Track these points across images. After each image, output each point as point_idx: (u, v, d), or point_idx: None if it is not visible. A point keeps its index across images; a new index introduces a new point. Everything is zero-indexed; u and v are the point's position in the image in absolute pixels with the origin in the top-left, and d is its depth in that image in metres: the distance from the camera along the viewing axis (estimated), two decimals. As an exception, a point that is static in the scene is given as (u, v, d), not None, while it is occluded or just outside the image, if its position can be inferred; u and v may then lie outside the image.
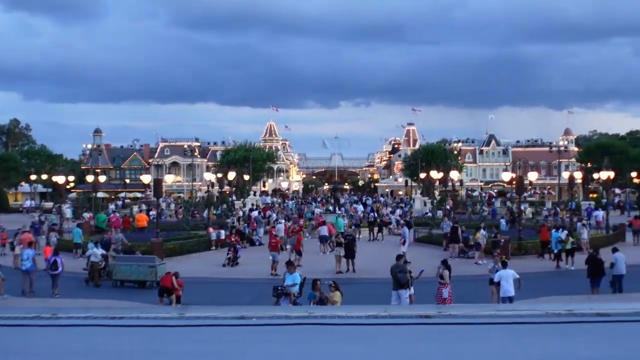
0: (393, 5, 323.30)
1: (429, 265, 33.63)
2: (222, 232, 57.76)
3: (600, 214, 68.39)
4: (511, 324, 9.59)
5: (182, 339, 7.05)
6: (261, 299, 32.39)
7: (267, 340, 8.15)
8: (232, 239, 51.45)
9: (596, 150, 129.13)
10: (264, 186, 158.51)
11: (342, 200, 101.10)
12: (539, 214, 75.92)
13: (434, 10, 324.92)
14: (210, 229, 57.75)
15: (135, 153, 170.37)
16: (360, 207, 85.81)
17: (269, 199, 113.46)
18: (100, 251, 41.49)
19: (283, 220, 61.23)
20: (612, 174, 72.92)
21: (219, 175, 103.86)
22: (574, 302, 19.32)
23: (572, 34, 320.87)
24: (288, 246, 50.84)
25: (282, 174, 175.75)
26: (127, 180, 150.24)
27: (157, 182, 57.19)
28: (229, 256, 47.63)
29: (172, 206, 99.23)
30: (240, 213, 75.65)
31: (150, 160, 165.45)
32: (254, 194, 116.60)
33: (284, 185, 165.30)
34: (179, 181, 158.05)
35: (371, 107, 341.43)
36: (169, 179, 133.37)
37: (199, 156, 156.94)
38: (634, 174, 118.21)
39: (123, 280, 39.51)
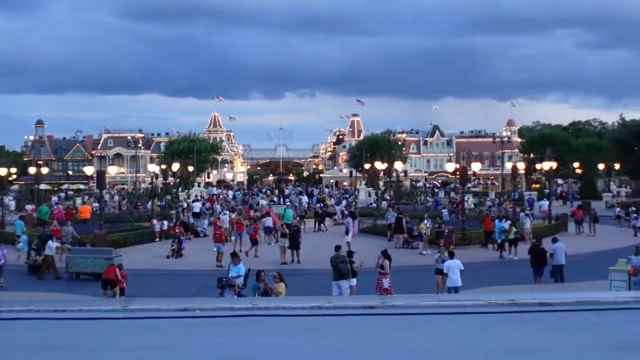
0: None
1: (373, 256, 33.71)
2: (165, 222, 57.44)
3: (545, 204, 69.06)
4: (454, 314, 9.65)
5: (125, 331, 7.00)
6: (206, 291, 32.27)
7: (210, 332, 8.11)
8: (177, 231, 51.17)
9: (539, 141, 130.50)
10: (209, 177, 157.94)
11: (287, 191, 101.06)
12: (482, 205, 76.46)
13: (380, 1, 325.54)
14: (154, 221, 57.36)
15: (78, 144, 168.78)
16: (305, 198, 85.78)
17: (215, 190, 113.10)
18: (55, 244, 41.01)
19: (228, 212, 60.95)
20: (554, 165, 73.81)
21: (163, 166, 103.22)
22: (516, 292, 19.50)
23: (517, 25, 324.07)
24: (233, 237, 50.72)
25: (226, 165, 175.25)
26: (70, 172, 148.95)
27: (100, 174, 56.71)
28: (173, 248, 47.38)
29: (116, 198, 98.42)
30: (185, 204, 75.26)
31: (94, 152, 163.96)
32: (198, 185, 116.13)
33: (229, 176, 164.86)
34: (123, 173, 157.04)
35: (316, 98, 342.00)
36: (112, 170, 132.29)
37: (142, 147, 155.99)
38: (576, 165, 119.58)
39: (78, 273, 39.09)
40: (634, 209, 67.94)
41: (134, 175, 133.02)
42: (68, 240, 44.69)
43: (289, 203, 67.58)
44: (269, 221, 54.01)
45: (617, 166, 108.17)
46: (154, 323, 8.10)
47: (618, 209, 70.16)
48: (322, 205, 73.55)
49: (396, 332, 8.50)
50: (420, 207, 72.23)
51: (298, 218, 58.32)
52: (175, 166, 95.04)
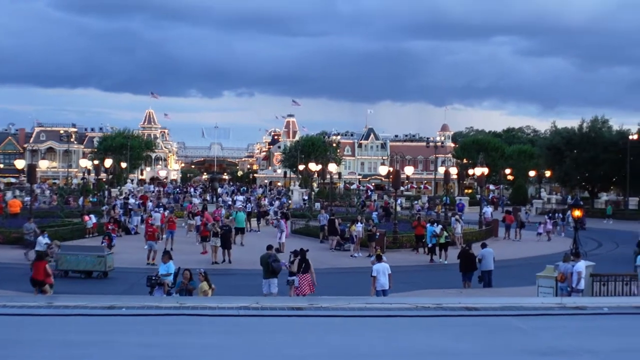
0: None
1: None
2: (92, 216, 56.95)
3: (489, 210, 69.67)
4: (381, 316, 9.74)
5: (50, 328, 6.94)
6: (136, 289, 32.03)
7: (136, 330, 8.06)
8: (109, 227, 50.66)
9: (472, 147, 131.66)
10: (142, 174, 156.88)
11: (220, 190, 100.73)
12: (412, 208, 76.98)
13: (321, 2, 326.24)
14: (86, 217, 56.77)
15: (10, 137, 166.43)
16: (240, 198, 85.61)
17: (152, 187, 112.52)
18: (45, 240, 40.28)
19: (160, 209, 60.53)
20: (486, 170, 74.35)
21: (96, 162, 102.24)
22: (443, 296, 19.70)
23: (455, 31, 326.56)
24: (164, 235, 50.42)
25: (160, 162, 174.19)
26: (1, 165, 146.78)
27: (32, 168, 56.00)
28: (103, 244, 46.90)
29: (47, 193, 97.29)
30: (117, 201, 74.64)
31: (26, 146, 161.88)
32: (131, 182, 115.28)
33: (162, 173, 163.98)
34: (55, 167, 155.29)
35: (254, 98, 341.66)
36: (43, 164, 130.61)
37: (75, 142, 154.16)
38: (508, 171, 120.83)
39: (67, 271, 38.37)
40: (560, 215, 69.02)
41: (66, 170, 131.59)
42: (30, 238, 43.90)
43: (240, 206, 66.81)
44: (199, 220, 53.84)
45: (548, 173, 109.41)
46: (79, 320, 8.04)
47: (527, 214, 70.85)
48: (254, 205, 73.41)
49: (323, 333, 8.53)
50: (352, 210, 72.41)
51: (230, 217, 57.98)
52: (108, 162, 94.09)
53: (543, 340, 7.95)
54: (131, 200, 73.50)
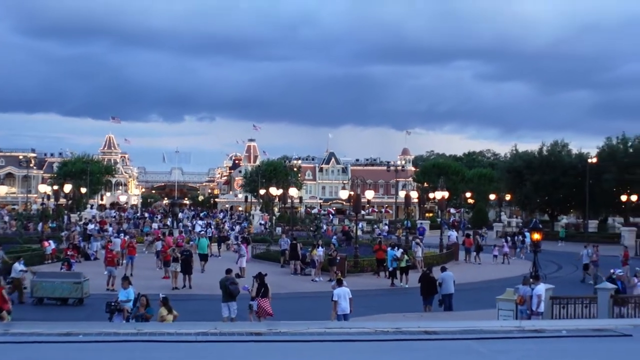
0: (240, 20, 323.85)
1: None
2: (52, 242, 56.53)
3: (454, 234, 69.89)
4: (340, 341, 9.73)
5: (4, 357, 6.85)
6: (95, 315, 31.78)
7: (92, 357, 7.98)
8: (68, 253, 50.27)
9: (432, 170, 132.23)
10: (102, 199, 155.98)
11: (180, 216, 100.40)
12: (373, 232, 77.14)
13: (281, 27, 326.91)
14: (45, 243, 56.35)
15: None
16: (200, 223, 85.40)
17: (114, 212, 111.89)
18: (20, 267, 39.72)
19: (121, 235, 60.18)
20: (446, 194, 74.66)
21: (55, 187, 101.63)
22: (403, 320, 19.74)
23: (417, 55, 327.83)
24: (124, 261, 50.15)
25: (120, 187, 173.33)
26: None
27: (-10, 194, 55.60)
28: (62, 270, 46.48)
29: (6, 218, 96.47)
30: (77, 227, 74.15)
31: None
32: (91, 207, 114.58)
33: (123, 198, 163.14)
34: (14, 193, 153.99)
35: (216, 122, 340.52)
36: (2, 190, 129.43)
37: (35, 167, 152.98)
38: (468, 194, 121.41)
39: (42, 298, 37.80)
40: (520, 238, 69.52)
41: (25, 195, 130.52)
42: None
43: (202, 232, 66.18)
44: (159, 245, 53.64)
45: (508, 197, 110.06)
46: (35, 347, 7.95)
47: (482, 237, 71.21)
48: (214, 230, 73.28)
49: (281, 358, 8.51)
50: (313, 234, 72.52)
51: (191, 242, 57.67)
52: (68, 187, 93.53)
53: (502, 364, 7.99)
54: (90, 226, 73.06)
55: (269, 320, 28.42)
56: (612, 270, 34.71)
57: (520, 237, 69.94)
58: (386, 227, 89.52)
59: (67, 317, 32.39)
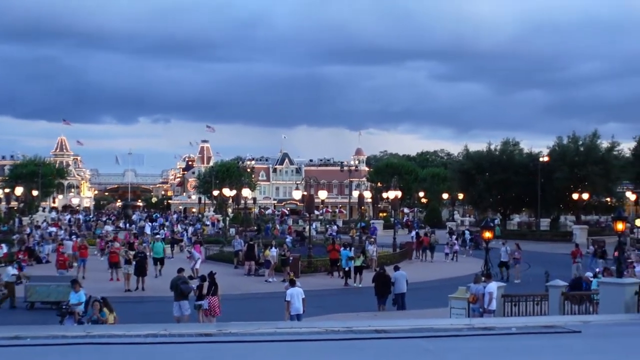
0: (194, 22, 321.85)
1: (218, 282, 33.62)
2: (4, 245, 55.91)
3: (414, 233, 70.21)
4: (291, 341, 9.72)
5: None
6: (47, 318, 31.50)
7: (40, 360, 7.92)
8: (20, 256, 49.75)
9: (386, 170, 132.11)
10: (54, 202, 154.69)
11: (134, 217, 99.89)
12: (326, 232, 77.27)
13: (235, 28, 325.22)
14: (-3, 245, 55.82)
15: None
16: (149, 225, 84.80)
17: (68, 216, 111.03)
18: (13, 270, 39.13)
19: (72, 238, 59.64)
20: (400, 194, 74.92)
21: (7, 190, 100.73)
22: (357, 320, 19.80)
23: (371, 56, 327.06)
24: (75, 264, 49.79)
25: (73, 189, 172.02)
26: None
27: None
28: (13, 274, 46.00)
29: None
30: (28, 230, 73.50)
31: None
32: (43, 210, 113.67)
33: (75, 201, 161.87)
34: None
35: (170, 124, 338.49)
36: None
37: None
38: (421, 194, 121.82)
39: (34, 302, 37.13)
40: (470, 236, 70.30)
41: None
42: None
43: (158, 236, 65.12)
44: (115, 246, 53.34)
45: (460, 196, 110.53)
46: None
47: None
48: (168, 232, 72.99)
49: (232, 359, 8.49)
50: (269, 235, 72.51)
51: (145, 244, 57.28)
52: (19, 190, 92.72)
53: (450, 362, 8.04)
54: (52, 228, 72.61)
55: (216, 319, 28.60)
56: (597, 270, 35.14)
57: (469, 235, 70.79)
58: (335, 227, 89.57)
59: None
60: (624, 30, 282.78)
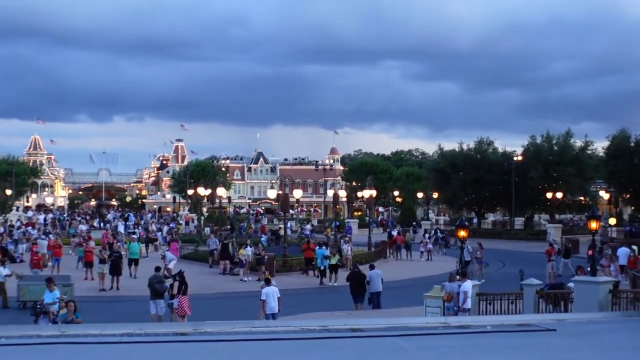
0: (169, 20, 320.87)
1: (193, 281, 33.57)
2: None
3: (395, 231, 70.50)
4: (266, 340, 9.72)
5: None
6: (21, 318, 31.34)
7: (15, 360, 7.88)
8: (-4, 256, 49.38)
9: (360, 169, 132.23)
10: (28, 201, 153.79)
11: (109, 216, 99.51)
12: (299, 232, 77.30)
13: (210, 27, 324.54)
14: (-30, 246, 55.44)
15: None
16: (122, 224, 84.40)
17: (43, 216, 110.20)
18: (6, 271, 38.78)
19: (46, 237, 59.31)
20: (374, 193, 75.00)
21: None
22: (330, 318, 19.83)
23: (345, 55, 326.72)
24: (50, 263, 49.57)
25: (47, 189, 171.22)
26: None
27: None
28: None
29: None
30: (2, 229, 73.07)
31: None
32: (17, 209, 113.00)
33: (49, 200, 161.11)
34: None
35: (145, 123, 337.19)
36: None
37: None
38: (396, 193, 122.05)
39: (25, 302, 36.71)
40: (441, 234, 70.82)
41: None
42: None
43: (134, 237, 64.40)
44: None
45: (435, 195, 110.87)
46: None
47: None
48: (143, 231, 72.77)
49: (208, 358, 8.48)
50: (243, 234, 72.44)
51: (119, 244, 57.05)
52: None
53: (425, 360, 8.05)
54: (16, 226, 72.15)
55: (187, 318, 28.65)
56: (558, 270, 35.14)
57: (441, 234, 71.41)
58: (309, 226, 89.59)
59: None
60: (591, 30, 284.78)
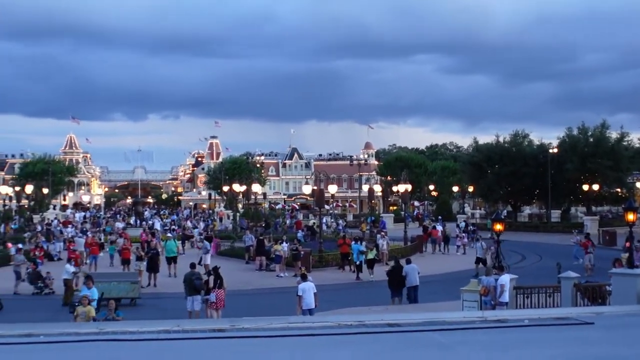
0: (201, 18, 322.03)
1: (230, 277, 33.67)
2: (20, 245, 56.06)
3: (439, 226, 70.09)
4: (303, 335, 9.73)
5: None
6: (60, 315, 31.59)
7: (55, 357, 7.94)
8: (36, 254, 49.70)
9: (395, 164, 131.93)
10: (65, 200, 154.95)
11: (146, 214, 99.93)
12: (331, 227, 77.32)
13: (242, 23, 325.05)
14: (9, 244, 55.95)
15: None
16: (159, 221, 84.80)
17: (80, 214, 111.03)
18: (72, 268, 39.32)
19: (88, 234, 59.71)
20: (409, 187, 74.91)
21: (17, 188, 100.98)
22: (367, 313, 19.82)
23: (377, 50, 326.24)
24: (87, 261, 49.92)
25: (83, 187, 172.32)
26: None
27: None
28: (28, 271, 45.94)
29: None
30: (39, 227, 73.69)
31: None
32: (54, 208, 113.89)
33: (85, 198, 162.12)
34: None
35: (180, 120, 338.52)
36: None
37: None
38: (431, 187, 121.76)
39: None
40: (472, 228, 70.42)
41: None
42: (19, 269, 42.69)
43: (170, 235, 64.40)
44: (123, 243, 53.29)
45: (470, 189, 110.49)
46: (-5, 349, 7.88)
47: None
48: (179, 228, 73.08)
49: (245, 354, 8.50)
50: (279, 230, 72.54)
51: (156, 241, 57.21)
52: (29, 188, 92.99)
53: (462, 354, 8.02)
54: (54, 224, 72.75)
55: (221, 312, 28.85)
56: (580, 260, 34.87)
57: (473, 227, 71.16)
58: (341, 222, 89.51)
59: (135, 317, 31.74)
60: (624, 21, 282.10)
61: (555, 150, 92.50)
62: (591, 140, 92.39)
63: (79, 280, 40.22)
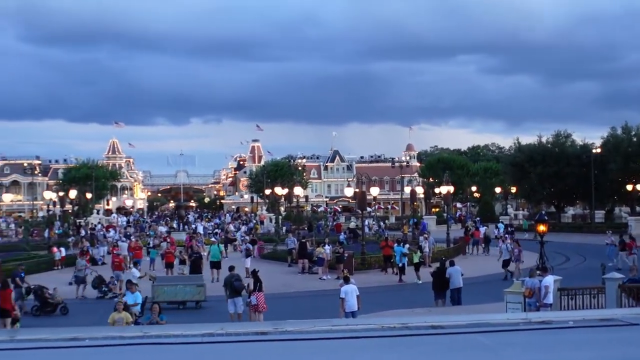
0: (241, 21, 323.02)
1: (272, 280, 33.78)
2: (63, 249, 56.61)
3: (483, 229, 69.85)
4: (346, 338, 9.73)
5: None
6: (106, 319, 31.76)
7: (99, 361, 7.99)
8: (87, 258, 50.05)
9: (437, 165, 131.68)
10: (108, 204, 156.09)
11: (190, 218, 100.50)
12: (371, 229, 77.26)
13: (282, 27, 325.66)
14: (54, 249, 56.48)
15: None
16: (201, 225, 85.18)
17: (123, 219, 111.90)
18: (138, 273, 39.82)
19: (132, 238, 60.16)
20: (452, 189, 74.68)
21: (61, 193, 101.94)
22: (410, 316, 19.76)
23: (418, 51, 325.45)
24: (131, 265, 50.27)
25: (126, 191, 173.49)
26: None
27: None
28: (94, 275, 46.17)
29: (13, 226, 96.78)
30: (83, 232, 74.32)
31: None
32: (98, 213, 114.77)
33: (128, 203, 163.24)
34: (20, 200, 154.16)
35: (222, 124, 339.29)
36: (7, 198, 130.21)
37: (40, 174, 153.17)
38: (474, 188, 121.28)
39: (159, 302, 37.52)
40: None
41: (31, 202, 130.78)
42: (81, 274, 43.04)
43: (214, 239, 64.54)
44: (166, 246, 53.62)
45: (513, 189, 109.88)
46: (41, 354, 7.97)
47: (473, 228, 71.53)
48: (222, 232, 73.35)
49: (288, 357, 8.52)
50: (321, 232, 72.60)
51: (198, 245, 57.52)
52: (73, 193, 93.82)
53: (506, 356, 7.97)
54: (98, 228, 73.34)
55: (263, 314, 28.89)
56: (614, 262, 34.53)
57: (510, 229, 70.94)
58: (382, 224, 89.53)
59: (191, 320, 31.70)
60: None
61: (599, 150, 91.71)
62: (635, 139, 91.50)
63: (122, 285, 40.56)
